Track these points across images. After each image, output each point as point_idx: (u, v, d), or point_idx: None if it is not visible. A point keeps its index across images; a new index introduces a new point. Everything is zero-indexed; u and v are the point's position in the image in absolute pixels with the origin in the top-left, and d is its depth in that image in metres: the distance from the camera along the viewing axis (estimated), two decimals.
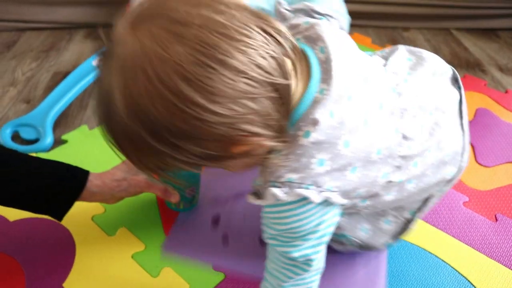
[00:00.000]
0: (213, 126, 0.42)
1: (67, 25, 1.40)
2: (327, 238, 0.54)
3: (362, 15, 1.47)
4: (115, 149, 0.49)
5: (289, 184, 0.49)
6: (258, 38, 0.43)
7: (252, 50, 0.43)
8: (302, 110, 0.48)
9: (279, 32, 0.46)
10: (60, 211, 0.68)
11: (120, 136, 0.47)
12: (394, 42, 1.42)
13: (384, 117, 0.54)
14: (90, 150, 0.95)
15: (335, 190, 0.51)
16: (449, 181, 0.64)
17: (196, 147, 0.44)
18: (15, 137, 0.97)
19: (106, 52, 0.45)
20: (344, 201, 0.52)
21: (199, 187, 0.82)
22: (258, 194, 0.53)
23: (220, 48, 0.41)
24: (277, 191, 0.49)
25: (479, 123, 1.07)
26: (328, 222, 0.53)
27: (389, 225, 0.68)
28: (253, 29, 0.43)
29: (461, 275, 0.74)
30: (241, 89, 0.42)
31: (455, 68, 1.25)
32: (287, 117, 0.48)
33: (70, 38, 1.36)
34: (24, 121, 0.98)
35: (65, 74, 1.17)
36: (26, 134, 0.97)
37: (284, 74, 0.45)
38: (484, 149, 0.99)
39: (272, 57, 0.44)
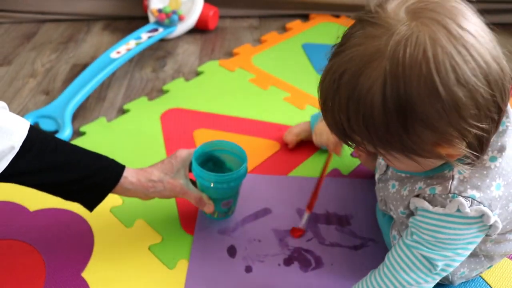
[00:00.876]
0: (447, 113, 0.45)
1: (85, 17, 1.42)
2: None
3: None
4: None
5: (471, 200, 0.53)
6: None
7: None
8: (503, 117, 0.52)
9: None
10: (91, 202, 0.69)
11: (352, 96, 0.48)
12: None
13: None
14: (108, 142, 0.97)
15: (498, 217, 0.55)
16: None
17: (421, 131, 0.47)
18: None
19: (366, 24, 0.47)
20: (499, 229, 0.56)
21: (237, 199, 0.80)
22: (431, 202, 0.56)
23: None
24: (464, 202, 0.52)
25: None
26: (477, 242, 0.57)
27: (479, 272, 0.69)
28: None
29: (484, 280, 0.73)
30: (482, 99, 0.46)
31: None
32: (490, 139, 0.51)
33: (88, 30, 1.37)
34: (44, 113, 1.00)
35: (84, 66, 1.18)
36: (45, 125, 0.98)
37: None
38: None
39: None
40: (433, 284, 0.59)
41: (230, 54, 1.26)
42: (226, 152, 0.79)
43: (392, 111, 0.45)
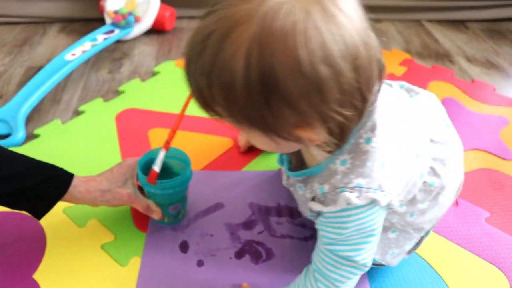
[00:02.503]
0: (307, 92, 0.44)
1: (41, 20, 1.41)
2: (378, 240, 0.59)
3: None
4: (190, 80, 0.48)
5: (358, 189, 0.52)
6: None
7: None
8: (364, 118, 0.52)
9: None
10: (39, 211, 0.70)
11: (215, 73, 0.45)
12: None
13: (419, 125, 0.61)
14: (63, 144, 0.97)
15: (393, 193, 0.55)
16: (458, 190, 0.71)
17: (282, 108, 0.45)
18: None
19: None
20: (398, 203, 0.57)
21: (186, 203, 0.81)
22: (323, 201, 0.56)
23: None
24: (350, 195, 0.52)
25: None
26: (381, 222, 0.57)
27: (410, 245, 0.71)
28: None
29: (422, 258, 0.77)
30: (347, 84, 0.44)
31: (425, 59, 1.29)
32: (351, 128, 0.50)
33: (44, 32, 1.36)
34: None
35: (39, 69, 1.17)
36: None
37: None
38: None
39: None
40: (363, 273, 0.60)
41: None
42: (171, 158, 0.80)
43: (254, 82, 0.42)
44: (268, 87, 0.42)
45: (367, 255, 0.58)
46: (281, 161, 0.69)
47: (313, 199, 0.59)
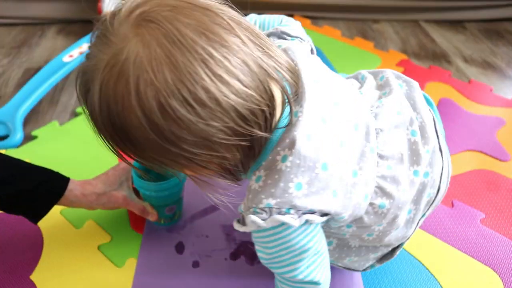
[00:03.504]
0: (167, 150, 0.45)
1: (39, 21, 1.41)
2: (324, 252, 0.56)
3: (332, 8, 1.50)
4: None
5: (268, 209, 0.49)
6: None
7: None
8: (279, 135, 0.49)
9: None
10: (35, 216, 0.70)
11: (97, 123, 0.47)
12: (364, 34, 1.44)
13: (359, 138, 0.55)
14: (60, 146, 0.97)
15: (315, 211, 0.51)
16: (429, 203, 0.64)
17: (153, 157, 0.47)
18: None
19: (101, 35, 0.45)
20: (324, 219, 0.52)
21: (182, 204, 0.81)
22: (242, 221, 0.53)
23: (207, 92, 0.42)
24: (255, 218, 0.50)
25: (441, 113, 1.10)
26: (316, 237, 0.53)
27: (377, 255, 0.68)
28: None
29: (416, 259, 0.77)
30: (215, 136, 0.44)
31: (422, 59, 1.28)
32: (250, 162, 0.50)
33: (42, 34, 1.37)
34: None
35: (37, 70, 1.18)
36: None
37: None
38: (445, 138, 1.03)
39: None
40: None
41: None
42: None
43: (113, 134, 0.45)
44: (126, 140, 0.45)
45: (309, 272, 0.54)
46: None
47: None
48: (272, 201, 0.49)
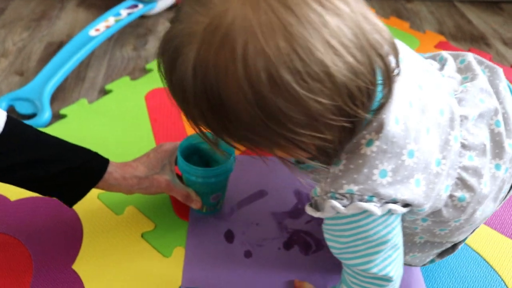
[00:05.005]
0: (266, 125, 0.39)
1: None
2: (401, 247, 0.52)
3: None
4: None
5: (349, 196, 0.46)
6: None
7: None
8: (367, 118, 0.44)
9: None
10: (71, 199, 0.65)
11: (176, 89, 0.42)
12: (398, 13, 1.38)
13: (444, 124, 0.50)
14: (91, 125, 0.91)
15: (398, 201, 0.47)
16: (502, 200, 0.60)
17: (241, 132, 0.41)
18: (10, 111, 0.92)
19: None
20: (405, 210, 0.49)
21: (226, 191, 0.76)
22: (316, 206, 0.50)
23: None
24: (336, 203, 0.46)
25: None
26: (396, 230, 0.50)
27: (439, 251, 0.64)
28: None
29: (475, 251, 0.73)
30: (323, 116, 0.39)
31: (459, 41, 1.22)
32: (341, 147, 0.45)
33: (62, 6, 1.29)
34: (20, 95, 0.93)
35: (59, 45, 1.11)
36: (22, 108, 0.92)
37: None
38: None
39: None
40: (392, 285, 0.53)
41: None
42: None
43: (205, 107, 0.40)
44: (220, 114, 0.40)
45: (384, 266, 0.50)
46: None
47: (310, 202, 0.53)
48: (354, 187, 0.45)
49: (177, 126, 0.91)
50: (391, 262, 0.51)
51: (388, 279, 0.51)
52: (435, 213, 0.53)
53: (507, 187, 0.58)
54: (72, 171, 0.62)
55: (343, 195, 0.46)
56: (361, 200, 0.46)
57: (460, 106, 0.52)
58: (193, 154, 0.74)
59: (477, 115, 0.53)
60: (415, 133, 0.46)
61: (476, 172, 0.52)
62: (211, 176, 0.70)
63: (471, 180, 0.52)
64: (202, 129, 0.45)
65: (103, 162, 0.65)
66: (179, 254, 0.70)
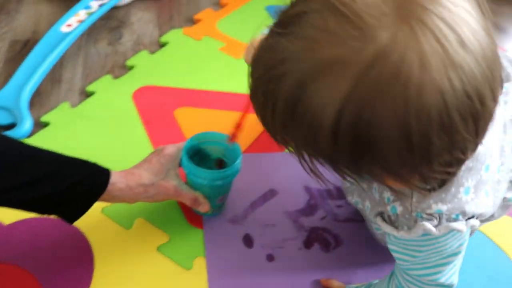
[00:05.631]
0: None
1: None
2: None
3: None
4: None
5: (437, 215, 0.46)
6: None
7: None
8: None
9: None
10: (74, 215, 0.60)
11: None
12: None
13: (499, 130, 0.50)
14: (78, 131, 0.84)
15: (477, 217, 0.48)
16: None
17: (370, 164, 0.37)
18: None
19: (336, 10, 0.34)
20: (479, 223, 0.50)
21: (229, 193, 0.74)
22: (393, 223, 0.50)
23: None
24: (429, 225, 0.46)
25: None
26: (467, 241, 0.51)
27: None
28: None
29: (482, 232, 0.75)
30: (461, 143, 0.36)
31: None
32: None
33: None
34: None
35: (26, 43, 1.01)
36: None
37: None
38: None
39: None
40: None
41: (191, 21, 1.15)
42: (215, 144, 0.73)
43: (344, 142, 0.35)
44: (361, 149, 0.35)
45: (451, 275, 0.52)
46: None
47: (380, 214, 0.52)
48: (443, 207, 0.45)
49: (172, 127, 0.87)
50: (456, 270, 0.52)
51: (451, 286, 0.53)
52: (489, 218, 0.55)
53: None
54: (73, 186, 0.57)
55: (431, 215, 0.46)
56: (448, 220, 0.46)
57: (505, 110, 0.53)
58: (194, 155, 0.71)
59: None
60: (491, 146, 0.47)
61: None
62: (220, 178, 0.67)
63: None
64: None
65: (105, 173, 0.61)
66: (200, 265, 0.68)
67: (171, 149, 0.68)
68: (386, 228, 0.50)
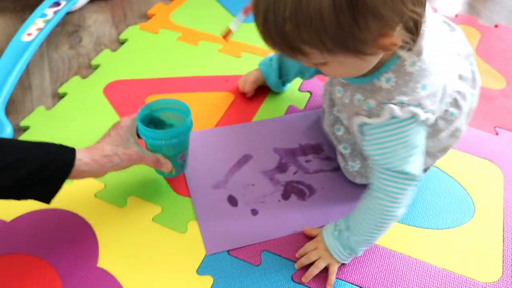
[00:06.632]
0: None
1: None
2: (424, 153, 0.65)
3: None
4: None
5: (400, 104, 0.60)
6: None
7: None
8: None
9: None
10: (48, 195, 0.64)
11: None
12: None
13: (456, 60, 0.68)
14: (58, 132, 0.89)
15: (431, 112, 0.62)
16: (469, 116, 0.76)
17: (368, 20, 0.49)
18: None
19: None
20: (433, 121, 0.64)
21: (188, 150, 0.79)
22: (369, 115, 0.63)
23: None
24: (394, 107, 0.60)
25: None
26: (424, 138, 0.64)
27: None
28: None
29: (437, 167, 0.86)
30: None
31: None
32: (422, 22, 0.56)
33: None
34: None
35: None
36: None
37: None
38: None
39: None
40: (416, 184, 0.65)
41: (146, 17, 1.21)
42: (167, 110, 0.78)
43: (343, 7, 0.47)
44: (355, 6, 0.47)
45: (415, 167, 0.63)
46: None
47: (356, 114, 0.65)
48: (404, 98, 0.60)
49: None
50: (418, 164, 0.64)
51: (415, 177, 0.63)
52: (433, 126, 0.68)
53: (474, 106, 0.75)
54: (43, 168, 0.61)
55: (395, 104, 0.60)
56: (407, 107, 0.59)
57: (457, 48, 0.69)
58: (149, 123, 0.77)
59: (465, 55, 0.71)
60: (439, 62, 0.62)
61: (464, 96, 0.70)
62: (175, 135, 0.73)
63: (461, 101, 0.69)
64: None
65: (70, 152, 0.65)
66: (193, 227, 0.75)
67: (126, 121, 0.73)
68: (361, 119, 0.63)
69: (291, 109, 0.97)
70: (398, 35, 0.53)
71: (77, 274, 0.68)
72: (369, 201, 0.66)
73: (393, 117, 0.60)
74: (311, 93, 1.00)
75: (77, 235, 0.73)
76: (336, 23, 0.48)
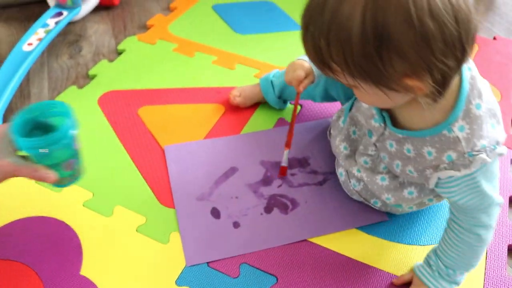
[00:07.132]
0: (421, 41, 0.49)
1: None
2: None
3: None
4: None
5: (484, 149, 0.59)
6: None
7: None
8: (467, 86, 0.59)
9: None
10: None
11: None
12: None
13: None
14: None
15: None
16: None
17: (393, 58, 0.50)
18: None
19: None
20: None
21: (79, 157, 0.71)
22: (454, 168, 0.61)
23: None
24: (484, 156, 0.59)
25: None
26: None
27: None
28: None
29: None
30: (449, 36, 0.49)
31: None
32: (452, 77, 0.55)
33: None
34: None
35: None
36: None
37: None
38: None
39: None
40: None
41: (145, 27, 1.24)
42: (52, 114, 0.68)
43: (370, 38, 0.49)
44: (381, 40, 0.49)
45: (498, 193, 0.65)
46: (380, 117, 0.69)
47: (435, 168, 0.64)
48: (484, 142, 0.60)
49: (138, 124, 0.96)
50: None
51: (501, 202, 0.65)
52: None
53: None
54: None
55: (478, 151, 0.59)
56: (491, 150, 0.60)
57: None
58: (35, 129, 0.67)
59: None
60: (490, 93, 0.63)
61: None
62: (54, 142, 0.63)
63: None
64: None
65: None
66: (175, 238, 0.77)
67: (1, 128, 0.65)
68: (447, 173, 0.62)
69: (280, 122, 0.98)
70: (425, 81, 0.52)
71: (59, 281, 0.71)
72: (469, 237, 0.66)
73: (483, 163, 0.60)
74: (301, 106, 1.01)
75: (63, 243, 0.76)
76: (361, 51, 0.50)
